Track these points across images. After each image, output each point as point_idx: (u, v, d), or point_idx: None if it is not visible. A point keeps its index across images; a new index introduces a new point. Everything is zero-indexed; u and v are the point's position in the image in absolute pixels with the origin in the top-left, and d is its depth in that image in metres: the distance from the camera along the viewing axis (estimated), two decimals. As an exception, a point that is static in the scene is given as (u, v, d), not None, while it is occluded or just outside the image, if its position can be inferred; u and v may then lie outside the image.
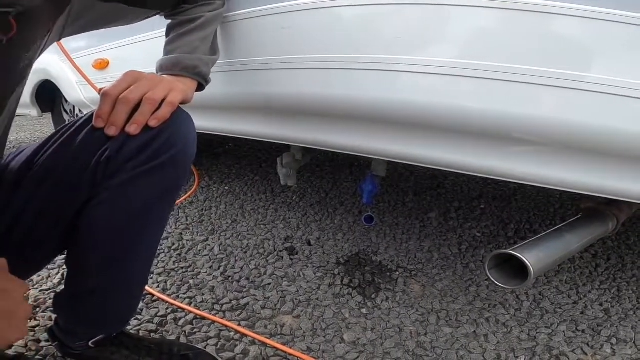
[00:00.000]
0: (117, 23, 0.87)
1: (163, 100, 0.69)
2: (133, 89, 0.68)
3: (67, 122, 0.72)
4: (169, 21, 0.92)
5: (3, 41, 0.53)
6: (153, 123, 0.67)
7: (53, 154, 0.70)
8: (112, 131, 0.66)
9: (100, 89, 0.68)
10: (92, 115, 0.69)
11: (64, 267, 0.81)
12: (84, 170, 0.67)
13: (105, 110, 0.66)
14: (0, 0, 0.53)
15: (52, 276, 1.24)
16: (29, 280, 1.15)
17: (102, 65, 1.59)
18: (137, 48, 1.41)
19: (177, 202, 1.82)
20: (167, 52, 0.87)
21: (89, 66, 1.63)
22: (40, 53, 0.70)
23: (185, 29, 0.88)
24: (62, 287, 1.15)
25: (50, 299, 1.11)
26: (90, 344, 0.83)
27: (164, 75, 0.81)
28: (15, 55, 0.61)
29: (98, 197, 0.68)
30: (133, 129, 0.66)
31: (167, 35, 0.91)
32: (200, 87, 0.87)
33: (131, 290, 0.82)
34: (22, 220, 0.70)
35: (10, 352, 0.91)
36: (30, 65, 0.67)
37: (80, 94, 1.89)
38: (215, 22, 0.95)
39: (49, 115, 2.67)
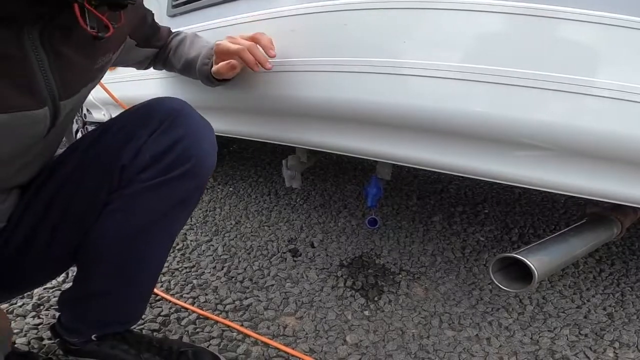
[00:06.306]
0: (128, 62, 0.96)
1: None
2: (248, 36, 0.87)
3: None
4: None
5: (103, 37, 0.58)
6: (273, 53, 0.87)
7: (81, 153, 0.71)
8: (269, 65, 0.87)
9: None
10: (111, 122, 0.70)
11: (71, 264, 0.82)
12: (102, 175, 0.67)
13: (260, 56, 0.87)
14: None
15: (56, 274, 1.25)
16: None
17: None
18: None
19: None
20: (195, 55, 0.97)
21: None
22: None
23: (189, 41, 0.99)
24: (66, 285, 1.17)
25: (54, 297, 1.12)
26: (92, 337, 0.84)
27: None
28: (96, 51, 0.64)
29: (111, 204, 0.68)
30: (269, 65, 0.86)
31: (172, 57, 1.00)
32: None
33: (138, 296, 0.83)
34: (48, 216, 0.70)
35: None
36: (101, 70, 0.69)
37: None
38: None
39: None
